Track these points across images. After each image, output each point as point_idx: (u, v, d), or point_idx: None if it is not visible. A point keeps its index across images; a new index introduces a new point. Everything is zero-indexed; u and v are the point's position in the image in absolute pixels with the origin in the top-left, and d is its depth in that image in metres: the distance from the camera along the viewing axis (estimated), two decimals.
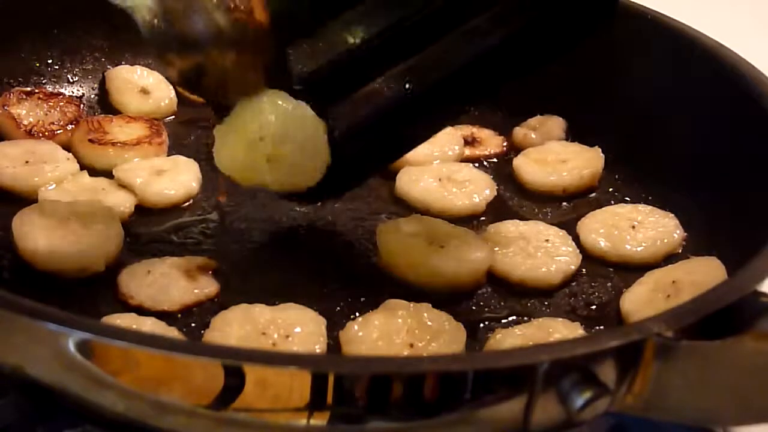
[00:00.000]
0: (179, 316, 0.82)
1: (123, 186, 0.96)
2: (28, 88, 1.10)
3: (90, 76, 1.17)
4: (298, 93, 0.75)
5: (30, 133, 1.04)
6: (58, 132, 1.05)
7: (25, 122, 1.05)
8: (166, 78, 1.15)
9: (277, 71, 0.73)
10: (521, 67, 0.83)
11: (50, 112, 1.07)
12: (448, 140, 1.08)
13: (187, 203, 0.98)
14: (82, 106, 1.11)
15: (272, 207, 0.98)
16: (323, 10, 0.73)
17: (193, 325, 0.81)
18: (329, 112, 0.76)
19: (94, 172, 0.99)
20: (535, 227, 0.95)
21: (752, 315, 0.63)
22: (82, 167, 1.00)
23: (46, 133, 1.04)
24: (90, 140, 1.02)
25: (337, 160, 0.79)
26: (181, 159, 1.03)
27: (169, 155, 1.05)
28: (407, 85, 0.78)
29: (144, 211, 0.96)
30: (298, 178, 0.82)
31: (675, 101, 1.02)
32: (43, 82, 1.15)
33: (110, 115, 1.09)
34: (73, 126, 1.06)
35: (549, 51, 0.82)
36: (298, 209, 0.96)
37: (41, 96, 1.09)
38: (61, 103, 1.08)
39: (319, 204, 0.94)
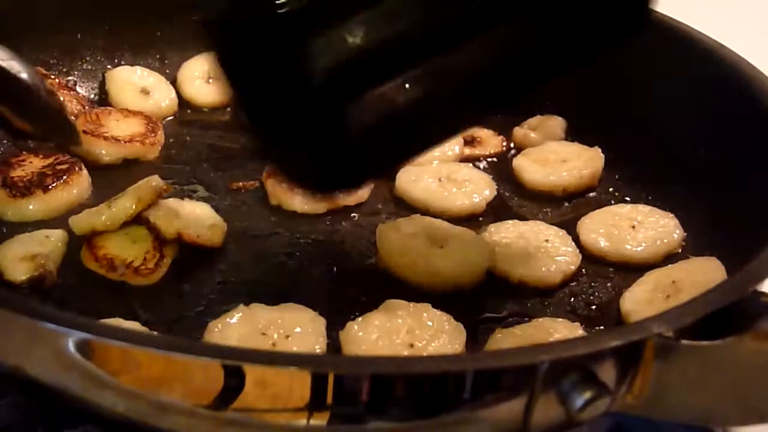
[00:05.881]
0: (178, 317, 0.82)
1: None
2: (44, 71, 1.11)
3: (90, 76, 1.17)
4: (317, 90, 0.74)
5: None
6: None
7: None
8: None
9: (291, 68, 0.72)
10: (542, 76, 0.82)
11: None
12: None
13: None
14: (86, 107, 1.10)
15: (273, 207, 0.98)
16: (341, 7, 0.73)
17: (192, 325, 0.81)
18: (347, 108, 0.75)
19: (86, 163, 1.00)
20: (535, 227, 0.95)
21: (752, 315, 0.63)
22: (78, 158, 1.00)
23: None
24: (84, 131, 1.03)
25: (353, 155, 0.78)
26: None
27: (168, 155, 1.06)
28: (426, 87, 0.77)
29: None
30: None
31: (675, 101, 1.02)
32: None
33: (110, 108, 1.10)
34: (74, 118, 1.06)
35: (572, 59, 0.81)
36: (297, 210, 0.97)
37: (53, 84, 1.09)
38: (67, 98, 1.08)
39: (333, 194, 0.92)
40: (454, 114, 0.79)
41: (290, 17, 0.66)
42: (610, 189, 1.05)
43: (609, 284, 0.91)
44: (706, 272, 0.83)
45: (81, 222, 0.89)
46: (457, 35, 0.75)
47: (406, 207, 0.99)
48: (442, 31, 0.74)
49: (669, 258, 0.92)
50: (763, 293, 0.66)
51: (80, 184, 0.96)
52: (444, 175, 1.01)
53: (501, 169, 1.08)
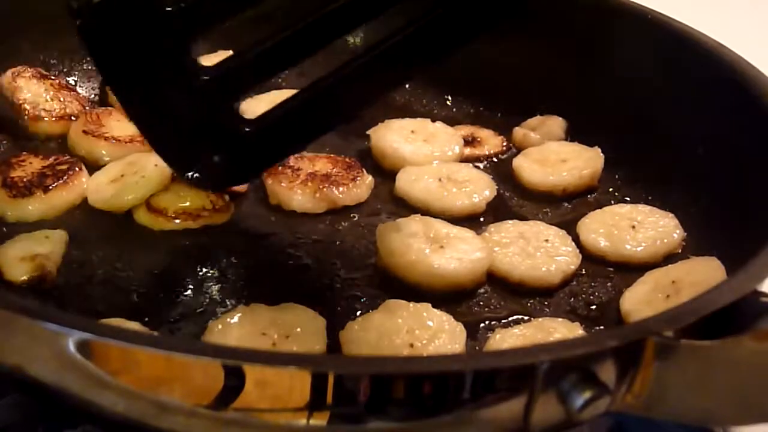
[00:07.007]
0: (178, 317, 0.82)
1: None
2: (44, 71, 1.12)
3: (90, 76, 1.17)
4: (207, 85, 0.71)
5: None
6: (45, 119, 1.07)
7: (21, 97, 1.07)
8: None
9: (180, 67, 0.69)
10: (430, 56, 0.82)
11: (51, 100, 1.09)
12: (448, 140, 1.08)
13: None
14: (86, 107, 1.10)
15: (273, 207, 0.98)
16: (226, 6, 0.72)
17: (192, 325, 0.81)
18: (236, 103, 0.73)
19: (86, 163, 1.00)
20: (535, 227, 0.95)
21: (752, 315, 0.63)
22: (78, 158, 1.01)
23: (31, 115, 1.07)
24: (84, 131, 1.03)
25: (245, 149, 0.76)
26: None
27: None
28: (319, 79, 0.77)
29: None
30: None
31: (675, 101, 1.02)
32: None
33: (110, 108, 1.10)
34: (74, 119, 1.07)
35: (458, 38, 0.81)
36: (297, 210, 0.97)
37: (54, 84, 1.10)
38: (68, 98, 1.10)
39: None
40: (349, 97, 0.79)
41: (177, 14, 0.65)
42: (610, 189, 1.05)
43: (609, 284, 0.91)
44: (706, 272, 0.83)
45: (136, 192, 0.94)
46: (333, 31, 0.75)
47: (406, 207, 0.99)
48: (320, 28, 0.73)
49: (669, 258, 0.92)
50: (763, 293, 0.66)
51: (80, 184, 0.97)
52: (444, 175, 1.01)
53: (501, 169, 1.08)
